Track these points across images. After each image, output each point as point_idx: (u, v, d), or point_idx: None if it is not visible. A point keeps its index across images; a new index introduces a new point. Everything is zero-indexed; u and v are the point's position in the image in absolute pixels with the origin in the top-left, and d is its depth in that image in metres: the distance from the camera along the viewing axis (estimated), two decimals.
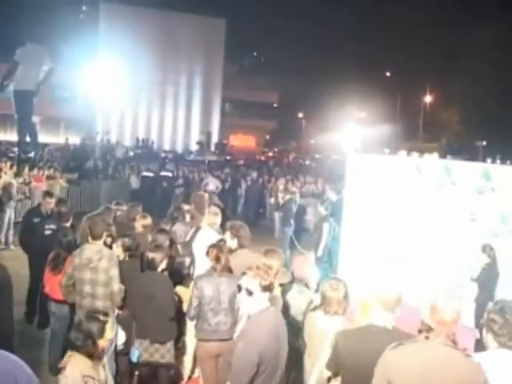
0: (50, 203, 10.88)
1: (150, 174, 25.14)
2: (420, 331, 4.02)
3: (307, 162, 48.04)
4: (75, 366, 4.60)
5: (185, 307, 7.23)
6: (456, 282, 11.35)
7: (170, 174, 25.48)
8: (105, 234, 7.68)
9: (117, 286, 7.18)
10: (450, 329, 3.92)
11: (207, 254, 6.97)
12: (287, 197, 17.36)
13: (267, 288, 4.99)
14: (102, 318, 4.78)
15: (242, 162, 40.40)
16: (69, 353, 4.72)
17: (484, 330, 4.23)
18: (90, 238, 7.50)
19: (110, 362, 6.99)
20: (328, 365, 4.86)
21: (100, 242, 7.48)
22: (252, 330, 4.88)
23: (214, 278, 6.76)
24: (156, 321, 6.86)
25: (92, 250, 7.33)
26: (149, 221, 9.26)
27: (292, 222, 16.89)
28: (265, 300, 5.01)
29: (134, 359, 6.87)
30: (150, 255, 7.03)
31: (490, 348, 4.21)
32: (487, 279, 9.20)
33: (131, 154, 37.74)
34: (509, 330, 4.06)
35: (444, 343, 3.86)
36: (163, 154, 40.97)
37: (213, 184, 21.60)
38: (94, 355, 4.71)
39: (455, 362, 3.82)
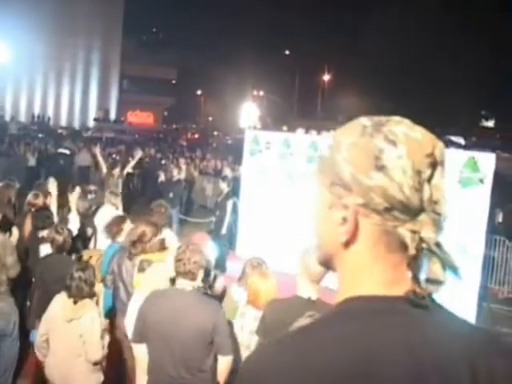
0: None
1: (66, 152, 24.86)
2: None
3: (206, 140, 48.04)
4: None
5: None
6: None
7: (67, 152, 24.91)
8: None
9: (14, 272, 6.76)
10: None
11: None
12: (176, 177, 16.73)
13: None
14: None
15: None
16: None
17: None
18: None
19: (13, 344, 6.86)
20: (257, 331, 5.03)
21: None
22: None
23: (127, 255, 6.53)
24: None
25: None
26: (40, 200, 8.77)
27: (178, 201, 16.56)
28: None
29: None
30: (57, 237, 6.68)
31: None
32: None
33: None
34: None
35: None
36: (60, 131, 40.10)
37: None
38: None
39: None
